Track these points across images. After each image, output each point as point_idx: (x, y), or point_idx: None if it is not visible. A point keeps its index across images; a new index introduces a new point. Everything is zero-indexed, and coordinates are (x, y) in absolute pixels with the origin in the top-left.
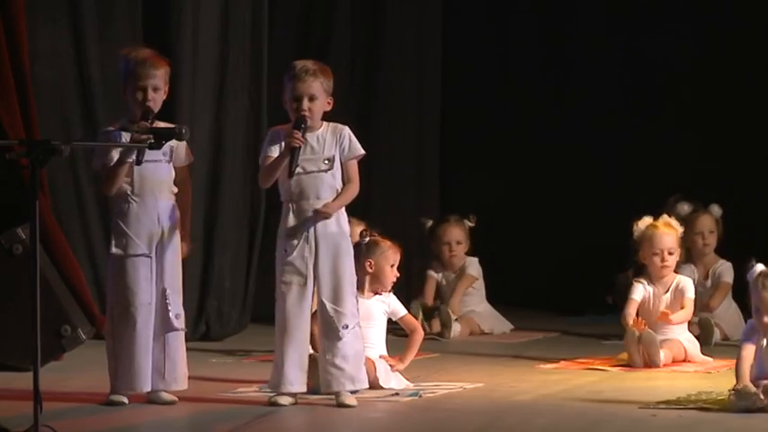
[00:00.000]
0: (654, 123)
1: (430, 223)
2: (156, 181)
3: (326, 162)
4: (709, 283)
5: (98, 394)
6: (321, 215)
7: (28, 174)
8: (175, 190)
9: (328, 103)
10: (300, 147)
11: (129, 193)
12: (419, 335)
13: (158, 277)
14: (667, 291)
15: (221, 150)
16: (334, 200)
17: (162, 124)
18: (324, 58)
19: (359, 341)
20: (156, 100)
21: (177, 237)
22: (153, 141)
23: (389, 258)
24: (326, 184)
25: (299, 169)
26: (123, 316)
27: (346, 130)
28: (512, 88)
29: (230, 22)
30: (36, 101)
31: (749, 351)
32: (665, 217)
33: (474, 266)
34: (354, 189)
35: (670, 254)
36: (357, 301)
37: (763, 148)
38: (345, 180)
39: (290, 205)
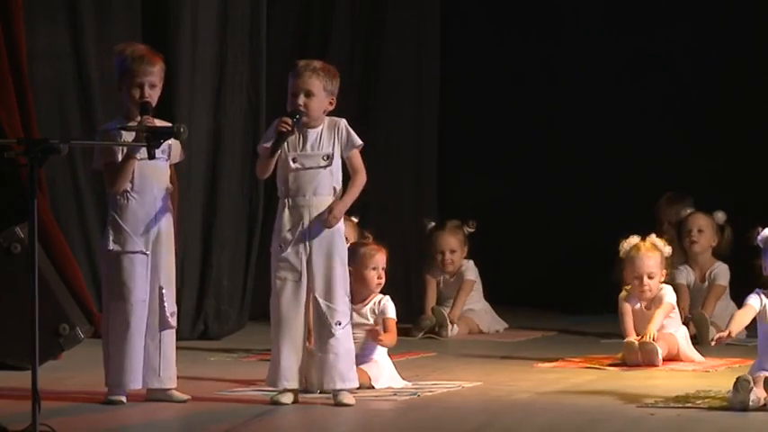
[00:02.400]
0: (654, 124)
1: (431, 225)
2: (155, 178)
3: (325, 158)
4: (706, 284)
5: (96, 393)
6: (329, 222)
7: (26, 172)
8: (171, 188)
9: (330, 102)
10: (289, 133)
11: (128, 189)
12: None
13: (154, 275)
14: (651, 305)
15: (220, 149)
16: (342, 198)
17: (158, 122)
18: (323, 58)
19: (350, 339)
20: (153, 96)
21: (172, 234)
22: (152, 140)
23: (367, 262)
24: (324, 181)
25: (296, 165)
26: (118, 312)
27: (342, 123)
28: (510, 89)
29: (229, 20)
30: (34, 100)
31: (748, 311)
32: (652, 237)
33: (471, 270)
34: (362, 179)
35: (650, 278)
36: (350, 299)
37: (764, 148)
38: (351, 170)
39: (287, 200)
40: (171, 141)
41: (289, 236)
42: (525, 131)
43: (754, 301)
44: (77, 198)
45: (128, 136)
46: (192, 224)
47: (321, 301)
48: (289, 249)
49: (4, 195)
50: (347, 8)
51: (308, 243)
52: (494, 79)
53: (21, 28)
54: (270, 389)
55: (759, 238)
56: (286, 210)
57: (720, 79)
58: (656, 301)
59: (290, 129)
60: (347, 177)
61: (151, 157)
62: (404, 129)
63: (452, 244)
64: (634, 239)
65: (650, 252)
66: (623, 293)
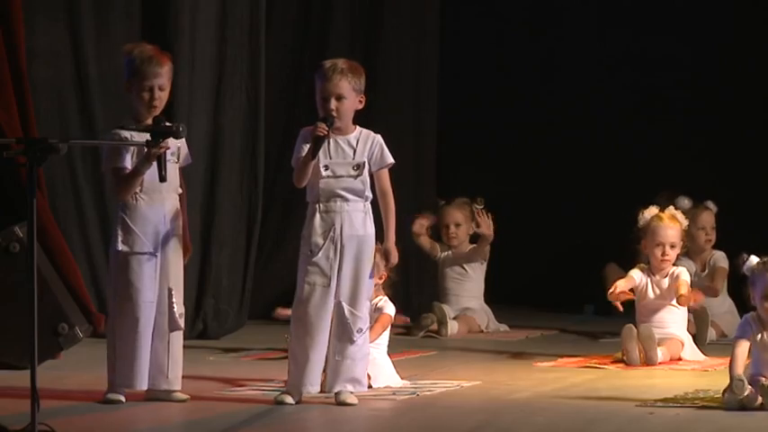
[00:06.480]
0: (653, 123)
1: (442, 203)
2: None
3: (356, 168)
4: (705, 272)
5: (95, 393)
6: (392, 264)
7: (26, 172)
8: (180, 190)
9: (360, 101)
10: (325, 137)
11: (138, 190)
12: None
13: (163, 276)
14: (664, 278)
15: (219, 149)
16: (387, 235)
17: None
18: (322, 57)
19: (367, 345)
20: (162, 98)
21: (181, 236)
22: (151, 140)
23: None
24: (356, 188)
25: (328, 172)
26: (126, 313)
27: (378, 139)
28: (509, 87)
29: (228, 20)
30: (34, 99)
31: (743, 347)
32: (671, 209)
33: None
34: (392, 202)
35: (672, 247)
36: (370, 305)
37: (761, 147)
38: (379, 191)
39: (318, 206)
40: (180, 144)
41: (320, 240)
42: (524, 130)
43: (746, 333)
44: (77, 198)
45: (138, 137)
46: (191, 224)
47: (346, 306)
48: (319, 254)
49: (3, 195)
50: (346, 7)
51: (338, 248)
52: (493, 78)
53: (20, 28)
54: (271, 388)
55: (745, 267)
56: (317, 215)
57: (720, 77)
58: (671, 279)
59: (326, 134)
60: None
61: (162, 179)
62: (403, 127)
63: (458, 218)
64: (654, 209)
65: (672, 222)
66: (635, 270)
